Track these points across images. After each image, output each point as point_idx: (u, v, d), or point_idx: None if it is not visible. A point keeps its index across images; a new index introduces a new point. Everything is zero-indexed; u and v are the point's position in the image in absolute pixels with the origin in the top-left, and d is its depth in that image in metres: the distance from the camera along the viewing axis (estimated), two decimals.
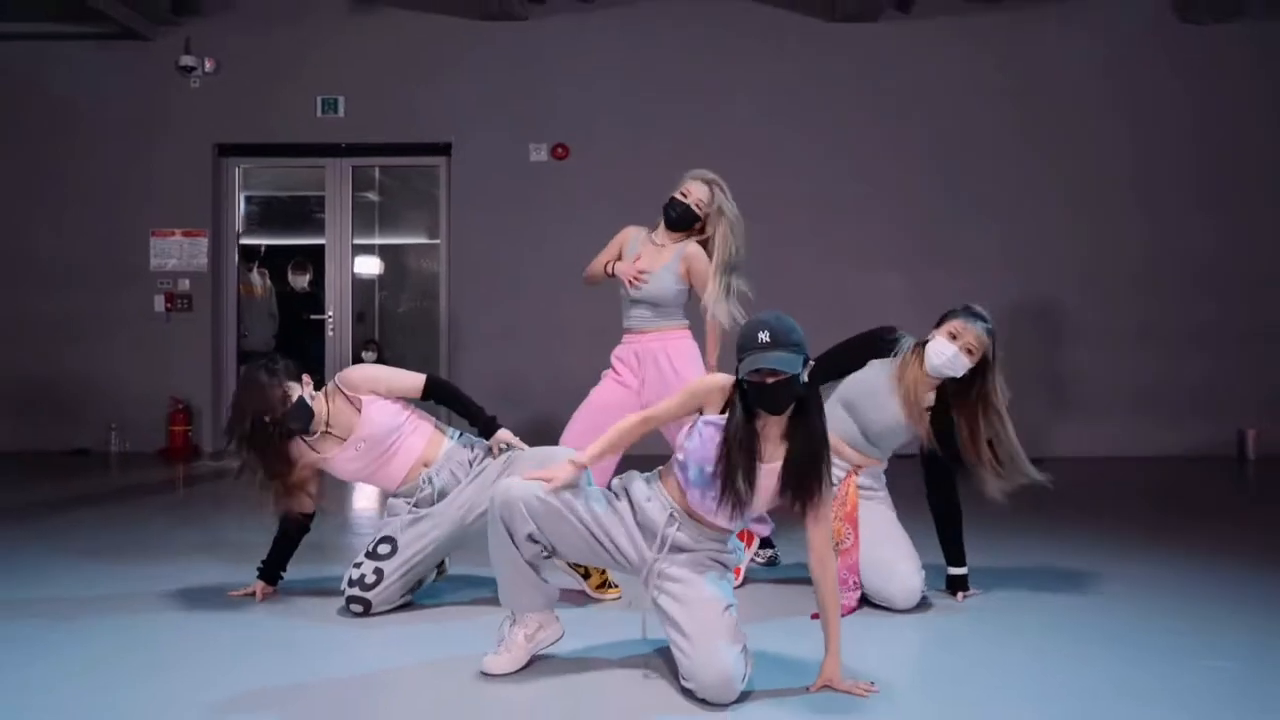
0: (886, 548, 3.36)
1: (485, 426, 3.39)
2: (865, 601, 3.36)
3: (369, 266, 9.68)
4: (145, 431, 7.62)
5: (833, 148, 7.61)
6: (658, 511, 2.64)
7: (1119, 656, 2.89)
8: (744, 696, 2.51)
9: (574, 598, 3.38)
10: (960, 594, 3.44)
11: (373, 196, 9.39)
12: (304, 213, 9.56)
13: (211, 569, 3.89)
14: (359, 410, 3.33)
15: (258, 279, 8.41)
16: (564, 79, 7.67)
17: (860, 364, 3.48)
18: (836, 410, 3.39)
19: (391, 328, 10.10)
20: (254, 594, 3.44)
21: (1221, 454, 7.43)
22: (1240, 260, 7.55)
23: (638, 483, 2.69)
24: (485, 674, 2.66)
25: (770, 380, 2.46)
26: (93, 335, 7.67)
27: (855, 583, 3.33)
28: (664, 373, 3.89)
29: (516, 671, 2.68)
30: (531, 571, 2.66)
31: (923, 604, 3.35)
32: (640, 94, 7.66)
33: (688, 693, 2.51)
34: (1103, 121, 7.61)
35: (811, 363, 2.54)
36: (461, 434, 3.48)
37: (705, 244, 3.94)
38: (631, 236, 4.10)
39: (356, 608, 3.20)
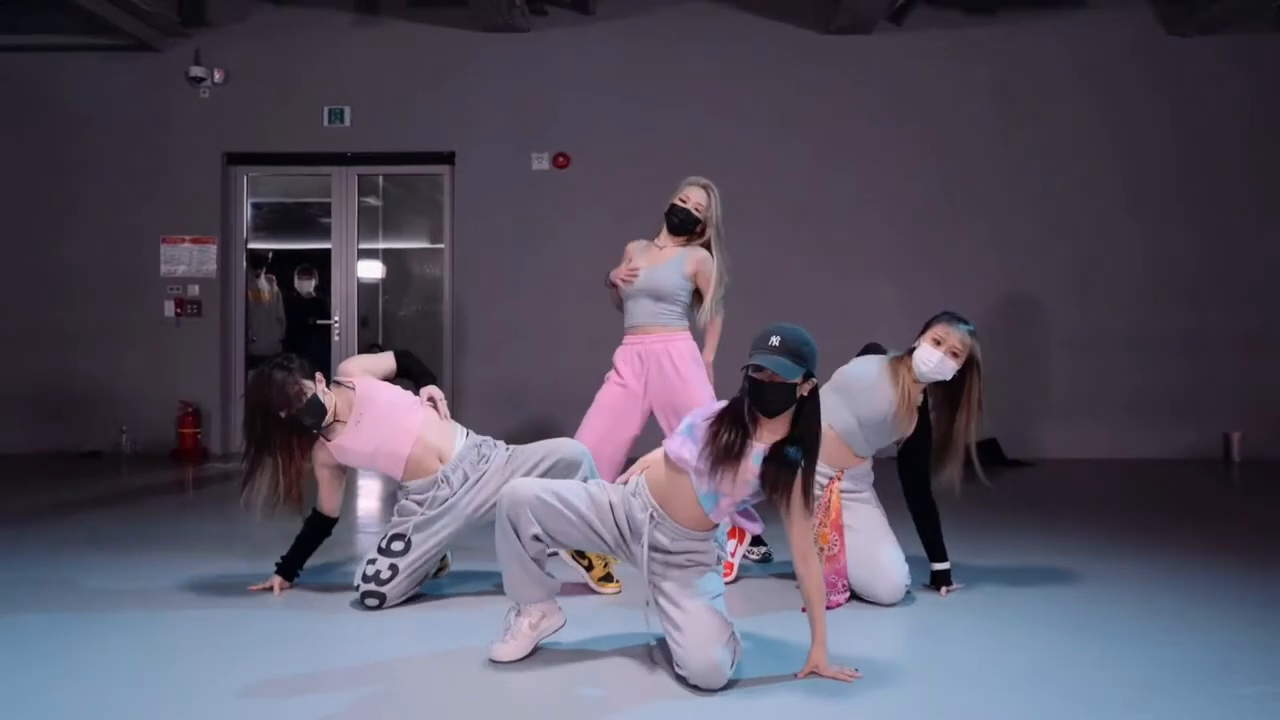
0: (873, 546, 3.52)
1: (424, 382, 3.64)
2: (853, 597, 3.52)
3: (372, 271, 9.84)
4: (156, 434, 7.80)
5: (828, 156, 7.79)
6: (639, 510, 2.81)
7: (1091, 644, 3.05)
8: (735, 683, 2.68)
9: (577, 590, 3.55)
10: (943, 589, 3.61)
11: (375, 201, 9.56)
12: (307, 218, 9.73)
13: (227, 564, 4.06)
14: (354, 390, 3.53)
15: (265, 285, 8.59)
16: (565, 89, 7.85)
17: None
18: (829, 398, 3.47)
19: (395, 331, 10.26)
20: (272, 588, 3.61)
21: (1208, 456, 7.60)
22: (1225, 268, 7.72)
23: (631, 479, 2.87)
24: (493, 661, 2.84)
25: (765, 379, 2.63)
26: (105, 340, 7.84)
27: (843, 585, 3.49)
28: (666, 374, 4.07)
29: (522, 659, 2.86)
30: (535, 566, 2.83)
31: (907, 598, 3.52)
32: (639, 104, 7.84)
33: (681, 679, 2.68)
34: (1092, 132, 7.78)
35: (814, 380, 2.70)
36: (469, 433, 3.64)
37: (706, 247, 4.15)
38: (633, 249, 4.29)
39: (372, 601, 3.37)
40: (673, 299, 4.13)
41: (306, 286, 8.79)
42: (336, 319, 8.20)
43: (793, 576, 3.49)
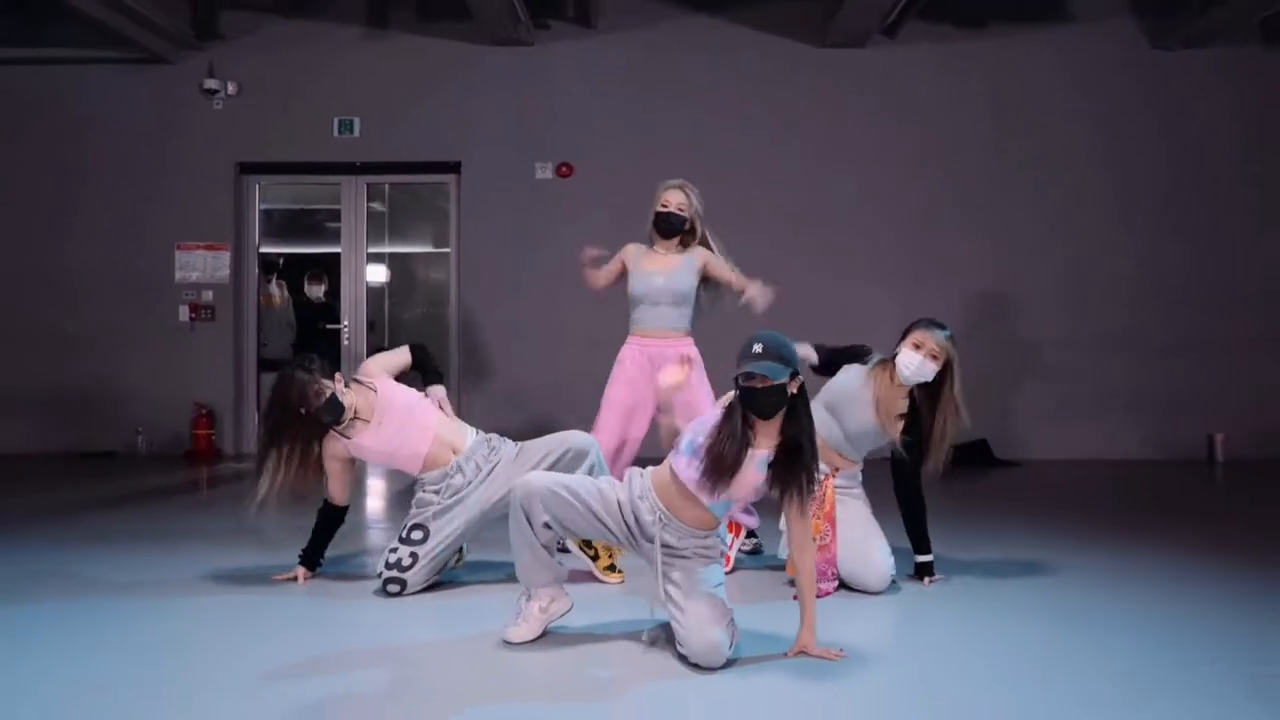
0: (861, 538, 3.75)
1: (431, 380, 3.90)
2: (842, 586, 3.76)
3: (377, 275, 10.07)
4: (170, 435, 8.02)
5: (823, 164, 8.00)
6: (647, 512, 3.02)
7: (1064, 630, 3.29)
8: (731, 662, 2.90)
9: (583, 578, 3.78)
10: (926, 579, 3.84)
11: (380, 207, 9.78)
12: (315, 223, 9.95)
13: (247, 558, 4.29)
14: (375, 392, 3.75)
15: (276, 290, 8.81)
16: (568, 101, 8.08)
17: (839, 354, 3.89)
18: (820, 413, 3.75)
19: (401, 334, 10.48)
20: (296, 578, 3.83)
21: (1192, 457, 7.82)
22: (1212, 276, 7.95)
23: (637, 480, 3.08)
24: (507, 643, 3.07)
25: (759, 385, 2.86)
26: (121, 344, 8.06)
27: (833, 574, 3.73)
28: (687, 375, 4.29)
29: (533, 641, 3.09)
30: (545, 553, 3.06)
31: (893, 587, 3.75)
32: (640, 115, 8.06)
33: (683, 658, 2.91)
34: (1083, 142, 8.00)
35: (801, 377, 2.93)
36: (477, 431, 3.87)
37: (701, 243, 4.41)
38: (633, 253, 4.52)
39: (394, 588, 3.60)
40: (688, 302, 4.37)
41: (316, 291, 9.01)
42: (346, 324, 8.43)
43: (783, 569, 3.74)
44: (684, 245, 4.41)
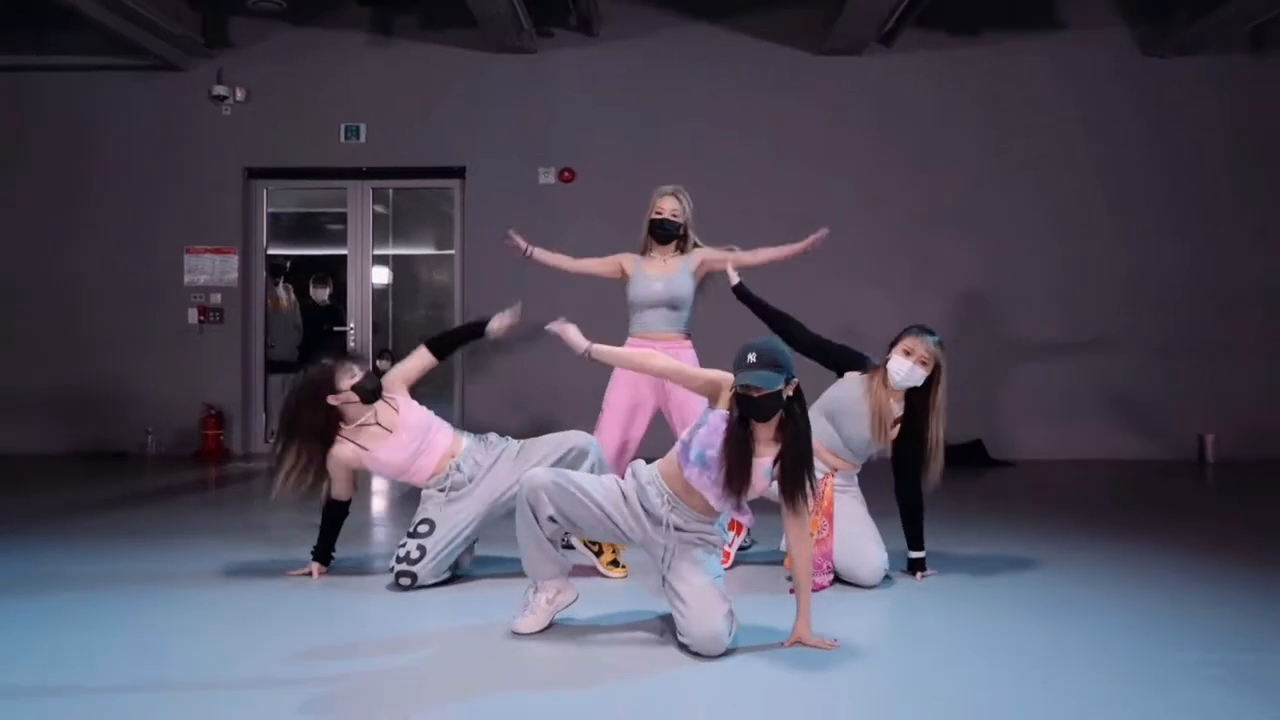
0: (857, 534, 3.90)
1: (475, 331, 4.20)
2: (837, 580, 3.90)
3: (380, 277, 10.22)
4: (179, 435, 8.18)
5: (821, 169, 8.15)
6: (655, 496, 3.17)
7: (1049, 620, 3.43)
8: (730, 651, 3.04)
9: (588, 573, 3.92)
10: (919, 574, 3.98)
11: (382, 210, 9.92)
12: (318, 225, 10.10)
13: (260, 553, 4.44)
14: (397, 410, 3.90)
15: (283, 293, 8.96)
16: (570, 107, 8.23)
17: (824, 355, 4.03)
18: (820, 421, 3.93)
19: (403, 335, 10.62)
20: (310, 573, 3.98)
21: (1183, 458, 7.97)
22: (1203, 280, 8.10)
23: (643, 469, 3.23)
24: (515, 633, 3.21)
25: (755, 394, 3.01)
26: (131, 346, 8.22)
27: (829, 567, 3.87)
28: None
29: (541, 631, 3.23)
30: (551, 546, 3.20)
31: (886, 581, 3.90)
32: (641, 121, 8.22)
33: (684, 647, 3.06)
34: (1077, 148, 8.15)
35: (795, 380, 3.07)
36: (475, 435, 4.04)
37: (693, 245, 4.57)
38: (631, 260, 4.66)
39: (405, 580, 3.74)
40: (686, 305, 4.52)
41: (321, 295, 9.13)
42: (352, 326, 8.58)
43: (780, 564, 3.89)
44: (680, 250, 4.56)
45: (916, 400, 3.89)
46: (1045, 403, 8.10)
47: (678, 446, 3.16)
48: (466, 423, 7.46)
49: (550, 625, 3.27)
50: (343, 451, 3.87)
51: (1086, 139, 8.17)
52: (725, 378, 3.12)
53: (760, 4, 8.20)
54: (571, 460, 3.81)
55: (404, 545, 3.78)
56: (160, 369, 8.20)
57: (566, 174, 8.26)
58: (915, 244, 8.13)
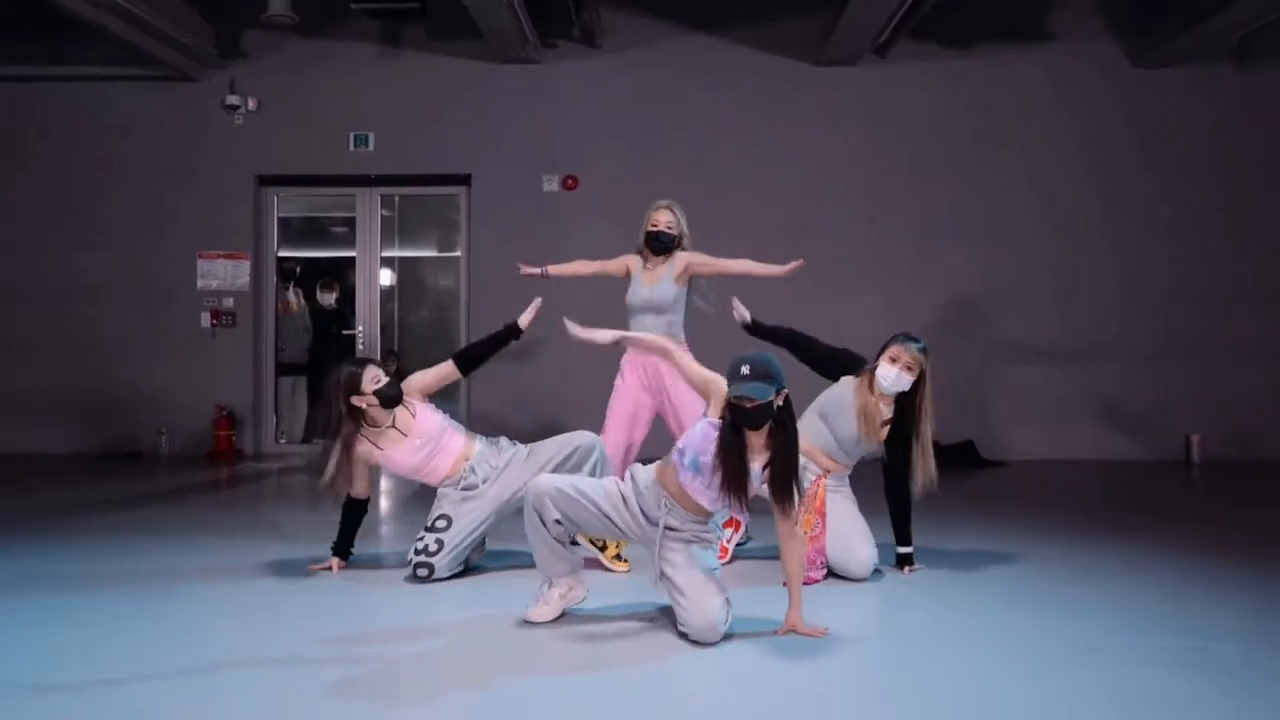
0: (848, 531, 4.12)
1: (512, 333, 4.40)
2: (829, 574, 4.12)
3: (385, 278, 10.39)
4: (192, 436, 8.40)
5: (819, 177, 8.37)
6: (653, 500, 3.39)
7: (1032, 613, 3.64)
8: (727, 639, 3.26)
9: (592, 566, 4.12)
10: (907, 568, 4.20)
11: (388, 213, 10.11)
12: (327, 228, 10.29)
13: (277, 550, 4.64)
14: (414, 415, 4.11)
15: (293, 297, 9.18)
16: (573, 117, 8.44)
17: (833, 366, 4.25)
18: (815, 422, 4.17)
19: (408, 337, 10.81)
20: (330, 568, 4.19)
21: (1170, 458, 8.18)
22: (1189, 286, 8.31)
23: (641, 473, 3.44)
24: (528, 622, 3.43)
25: (749, 404, 3.22)
26: (145, 349, 8.43)
27: (822, 562, 4.09)
28: (676, 383, 4.62)
29: (551, 621, 3.45)
30: (559, 546, 3.42)
31: (876, 575, 4.12)
32: (642, 130, 8.43)
33: (683, 636, 3.27)
34: (1067, 156, 8.37)
35: (786, 391, 3.28)
36: (486, 439, 4.25)
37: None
38: (634, 264, 4.87)
39: (423, 572, 3.96)
40: (672, 309, 4.72)
41: (328, 299, 9.35)
42: (360, 329, 8.79)
43: (773, 558, 4.10)
44: (668, 258, 4.77)
45: (904, 403, 4.10)
46: (1037, 404, 8.30)
47: (673, 453, 3.36)
48: (472, 423, 7.66)
49: (560, 616, 3.48)
50: (361, 450, 4.08)
51: (1077, 148, 8.38)
52: (720, 384, 3.33)
53: (758, 16, 8.42)
54: (577, 459, 4.04)
55: (422, 539, 4.00)
56: (173, 371, 8.41)
57: (570, 181, 8.47)
58: (911, 250, 8.34)
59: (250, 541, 4.86)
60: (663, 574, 3.37)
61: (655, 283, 4.71)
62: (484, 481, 4.08)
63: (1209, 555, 4.58)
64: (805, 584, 3.92)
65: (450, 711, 2.74)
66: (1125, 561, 4.49)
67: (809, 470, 4.13)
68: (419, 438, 4.09)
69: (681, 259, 4.73)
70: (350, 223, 8.96)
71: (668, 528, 3.36)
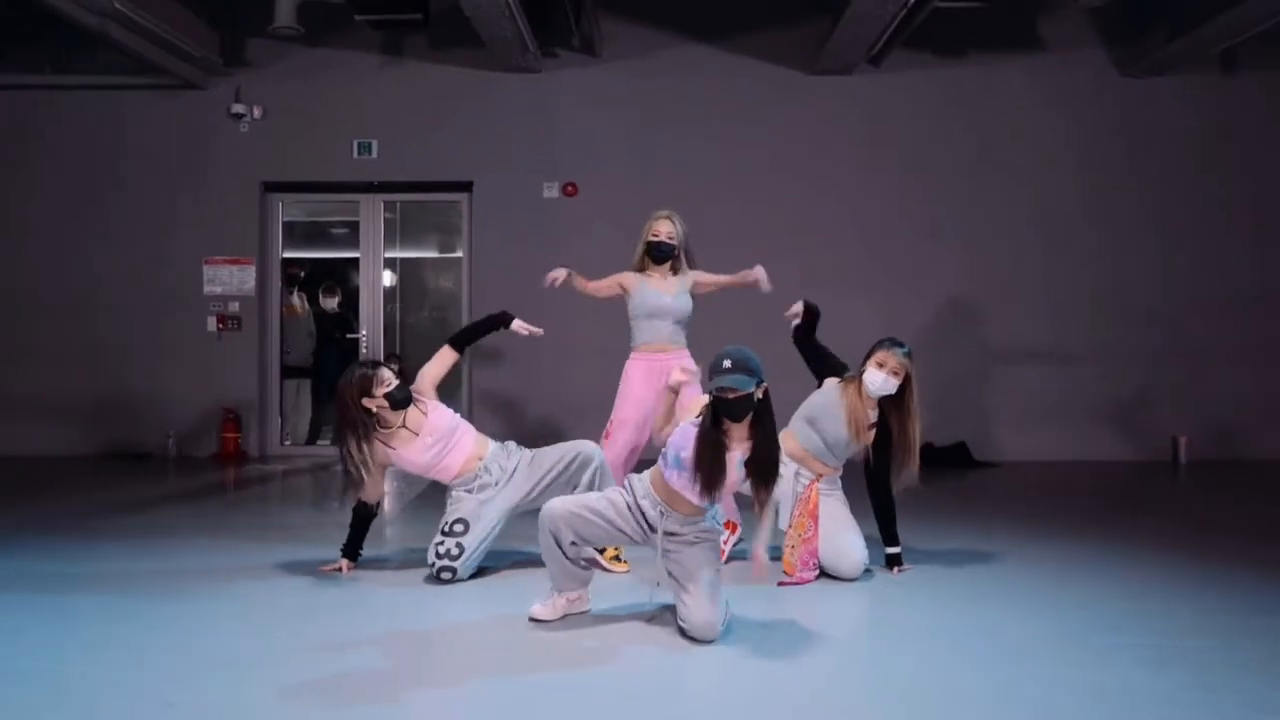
0: (839, 532, 4.27)
1: (502, 320, 4.56)
2: (821, 574, 4.28)
3: (386, 279, 10.51)
4: (199, 438, 8.55)
5: (814, 183, 8.53)
6: (650, 507, 3.54)
7: (1017, 611, 3.79)
8: (724, 636, 3.41)
9: (592, 564, 4.28)
10: (895, 568, 4.36)
11: (389, 215, 10.23)
12: (331, 231, 10.43)
13: (287, 550, 4.80)
14: (425, 414, 4.27)
15: (298, 301, 9.32)
16: (573, 125, 8.60)
17: (822, 366, 4.42)
18: (802, 427, 4.34)
19: (410, 338, 10.93)
20: (340, 569, 4.34)
21: (1158, 459, 8.35)
22: (1177, 290, 8.50)
23: (638, 482, 3.59)
24: (533, 619, 3.58)
25: (730, 396, 3.36)
26: (153, 353, 8.59)
27: (815, 563, 4.25)
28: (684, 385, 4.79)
29: (554, 620, 3.60)
30: (573, 566, 3.57)
31: (866, 575, 4.27)
32: (641, 138, 8.58)
33: (682, 633, 3.42)
34: (1057, 163, 8.54)
35: (765, 384, 3.42)
36: (497, 442, 4.41)
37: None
38: (634, 278, 5.00)
39: (447, 575, 4.11)
40: (687, 320, 4.88)
41: (330, 303, 9.49)
42: (364, 333, 8.95)
43: (775, 559, 4.26)
44: (674, 270, 4.92)
45: (890, 407, 4.26)
46: (1028, 407, 8.46)
47: (660, 457, 3.52)
48: (478, 424, 7.79)
49: (563, 617, 3.64)
50: (374, 450, 4.24)
51: (1067, 154, 8.55)
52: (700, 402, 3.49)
53: (755, 26, 8.58)
54: (577, 467, 4.21)
55: (442, 543, 4.14)
56: (180, 375, 8.57)
57: (570, 188, 8.62)
58: (904, 254, 8.50)
59: (260, 543, 5.01)
60: (668, 574, 3.52)
61: (676, 293, 4.84)
62: (496, 484, 4.23)
63: (1193, 554, 4.73)
64: (798, 584, 4.13)
65: (456, 708, 2.89)
66: (1111, 560, 4.64)
67: (803, 475, 4.30)
68: (430, 435, 4.24)
69: (690, 278, 4.88)
70: (353, 225, 9.10)
71: (668, 533, 3.52)
